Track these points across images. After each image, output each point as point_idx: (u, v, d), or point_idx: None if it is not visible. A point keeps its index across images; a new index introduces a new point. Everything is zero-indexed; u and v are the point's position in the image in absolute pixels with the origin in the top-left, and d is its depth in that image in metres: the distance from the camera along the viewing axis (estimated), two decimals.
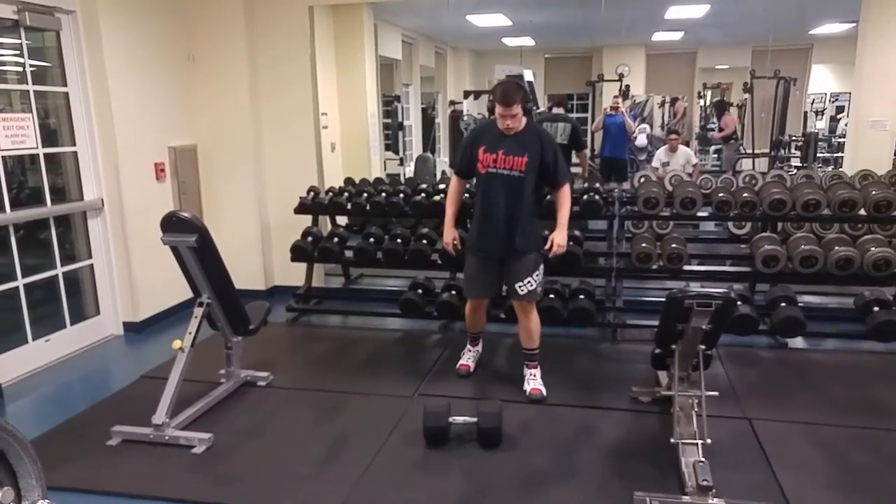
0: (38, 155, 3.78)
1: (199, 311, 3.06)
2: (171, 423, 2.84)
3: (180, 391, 2.91)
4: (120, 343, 4.25)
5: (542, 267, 3.19)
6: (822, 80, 12.60)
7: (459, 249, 3.34)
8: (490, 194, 3.07)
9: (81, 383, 3.68)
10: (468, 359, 3.51)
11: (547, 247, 3.12)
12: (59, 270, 3.94)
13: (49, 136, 3.94)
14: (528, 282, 3.11)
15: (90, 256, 4.17)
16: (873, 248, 3.69)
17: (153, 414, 2.81)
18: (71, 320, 4.01)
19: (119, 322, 4.32)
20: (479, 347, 3.58)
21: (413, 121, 10.27)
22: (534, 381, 3.22)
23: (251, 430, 2.96)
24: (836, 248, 3.74)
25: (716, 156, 10.37)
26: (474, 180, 3.28)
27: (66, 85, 3.92)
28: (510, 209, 3.04)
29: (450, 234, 3.30)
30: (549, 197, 3.41)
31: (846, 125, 8.14)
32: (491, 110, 3.06)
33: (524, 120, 3.07)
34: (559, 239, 3.10)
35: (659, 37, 10.97)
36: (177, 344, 2.98)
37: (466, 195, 3.58)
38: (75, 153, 4.01)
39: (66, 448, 2.81)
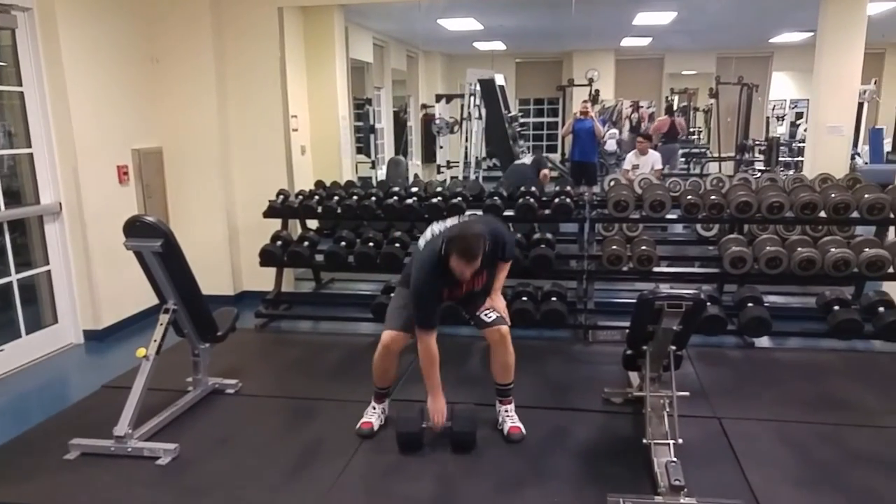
0: None
1: (164, 318, 2.97)
2: (135, 434, 2.74)
3: (144, 401, 2.81)
4: (80, 352, 4.10)
5: None
6: (782, 86, 13.00)
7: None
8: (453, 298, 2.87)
9: (38, 394, 3.54)
10: (372, 416, 2.95)
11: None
12: (14, 277, 3.79)
13: (2, 136, 3.79)
14: (492, 306, 2.87)
15: (47, 262, 4.02)
16: (833, 249, 3.79)
17: (115, 425, 2.71)
18: (26, 329, 3.86)
19: (79, 330, 4.17)
20: (386, 406, 3.02)
21: (385, 124, 10.23)
22: (510, 419, 2.91)
23: (219, 440, 2.88)
24: (799, 249, 3.84)
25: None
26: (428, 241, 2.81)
27: (21, 84, 3.78)
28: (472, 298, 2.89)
29: (441, 403, 2.75)
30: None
31: (805, 130, 8.38)
32: (445, 255, 2.62)
33: None
34: (500, 305, 2.90)
35: (628, 42, 11.16)
36: (141, 352, 2.88)
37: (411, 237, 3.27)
38: (31, 155, 3.87)
39: (22, 463, 2.69)
